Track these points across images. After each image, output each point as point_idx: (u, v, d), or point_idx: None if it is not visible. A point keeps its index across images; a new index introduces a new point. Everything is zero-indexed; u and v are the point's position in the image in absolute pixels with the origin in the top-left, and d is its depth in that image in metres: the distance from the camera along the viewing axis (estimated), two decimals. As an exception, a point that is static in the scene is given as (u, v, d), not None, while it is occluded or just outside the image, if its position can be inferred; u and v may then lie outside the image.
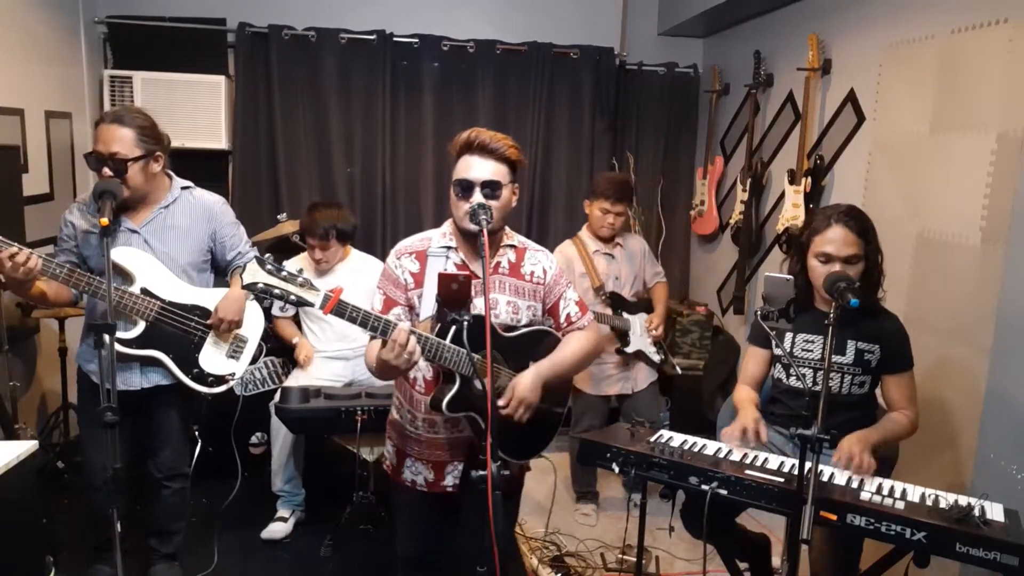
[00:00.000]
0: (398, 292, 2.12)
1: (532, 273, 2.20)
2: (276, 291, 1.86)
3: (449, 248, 2.14)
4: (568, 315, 2.24)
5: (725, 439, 2.34)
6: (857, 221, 2.36)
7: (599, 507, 3.82)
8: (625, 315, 3.65)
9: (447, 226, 2.19)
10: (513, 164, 2.11)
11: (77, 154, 4.19)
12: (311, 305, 1.88)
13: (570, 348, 2.20)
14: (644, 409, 3.59)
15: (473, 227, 2.00)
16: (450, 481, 2.20)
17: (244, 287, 1.87)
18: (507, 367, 2.14)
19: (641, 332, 3.68)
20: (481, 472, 1.84)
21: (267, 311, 2.94)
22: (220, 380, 2.74)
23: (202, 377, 2.70)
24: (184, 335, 2.66)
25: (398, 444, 2.27)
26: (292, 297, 1.87)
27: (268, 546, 3.32)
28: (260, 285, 1.86)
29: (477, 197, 2.03)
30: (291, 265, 3.65)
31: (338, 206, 3.64)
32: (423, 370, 2.16)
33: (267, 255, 1.91)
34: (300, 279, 1.88)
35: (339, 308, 1.89)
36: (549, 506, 3.67)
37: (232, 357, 2.77)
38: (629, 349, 3.64)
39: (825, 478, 2.13)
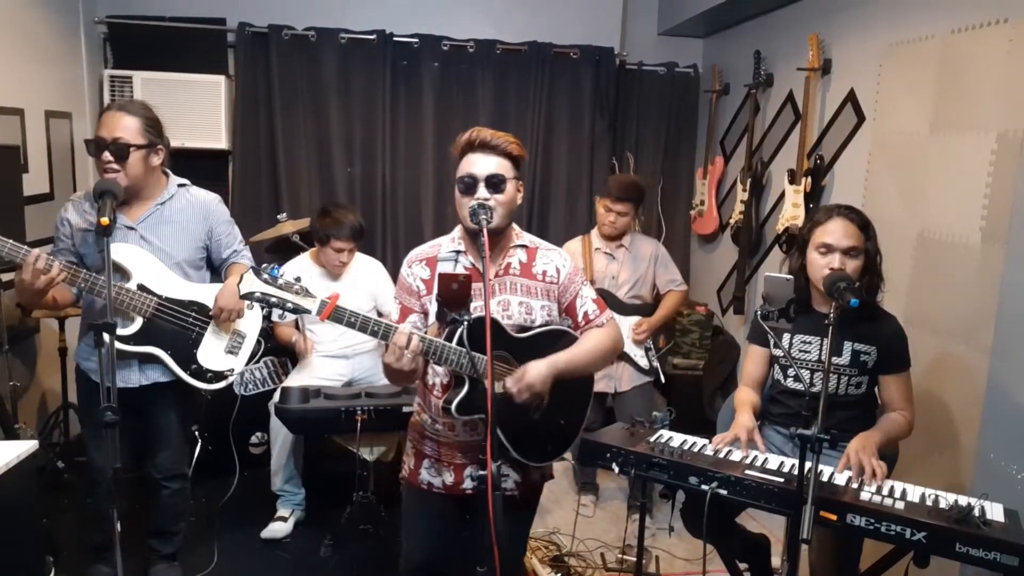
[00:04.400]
0: (412, 300, 2.14)
1: (544, 272, 2.19)
2: (273, 299, 1.87)
3: (458, 252, 2.14)
4: (586, 313, 2.21)
5: (716, 444, 2.33)
6: (858, 216, 2.38)
7: (599, 500, 3.87)
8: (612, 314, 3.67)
9: (457, 231, 2.19)
10: (516, 160, 2.11)
11: (77, 154, 4.19)
12: (308, 312, 1.89)
13: (586, 344, 2.17)
14: (630, 410, 3.59)
15: (474, 225, 1.99)
16: (468, 484, 2.19)
17: (241, 297, 1.87)
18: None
19: (627, 334, 3.67)
20: (481, 472, 1.84)
21: (267, 315, 2.94)
22: (219, 376, 2.74)
23: (201, 373, 2.70)
24: (182, 331, 2.66)
25: (418, 446, 2.26)
26: (289, 305, 1.88)
27: (268, 546, 3.32)
28: (257, 294, 1.87)
29: (482, 192, 2.03)
30: (294, 265, 3.69)
31: (349, 206, 3.68)
32: (440, 375, 2.15)
33: (264, 265, 1.92)
34: (297, 286, 1.89)
35: (336, 314, 1.90)
36: (549, 506, 3.68)
37: (231, 353, 2.77)
38: None
39: (825, 478, 2.13)
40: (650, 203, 4.98)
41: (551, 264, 2.20)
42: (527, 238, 2.23)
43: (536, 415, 2.15)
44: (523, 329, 2.13)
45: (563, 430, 2.25)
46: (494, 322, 2.00)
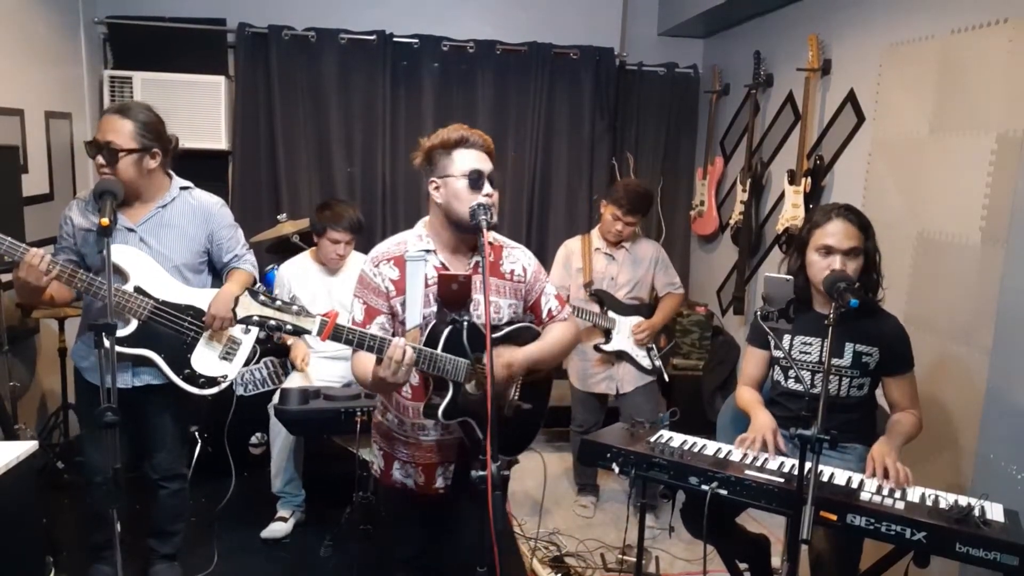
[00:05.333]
0: (379, 301, 2.09)
1: (512, 272, 2.20)
2: (272, 322, 1.84)
3: (427, 251, 2.11)
4: (549, 310, 2.27)
5: (742, 447, 2.32)
6: (857, 216, 2.38)
7: (599, 501, 3.88)
8: (612, 314, 3.66)
9: (421, 228, 2.16)
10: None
11: (77, 154, 4.19)
12: (308, 332, 1.86)
13: (553, 335, 2.23)
14: (635, 412, 3.57)
15: (473, 223, 1.99)
16: (440, 483, 2.20)
17: (239, 321, 1.85)
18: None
19: (628, 334, 3.68)
20: (481, 472, 1.85)
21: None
22: (212, 382, 2.72)
23: (193, 378, 2.68)
24: (176, 335, 2.65)
25: (386, 448, 2.25)
26: (288, 327, 1.85)
27: (268, 546, 3.32)
28: (255, 318, 1.84)
29: (487, 188, 2.04)
30: (293, 263, 3.67)
31: (350, 202, 3.70)
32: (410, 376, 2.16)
33: (258, 285, 1.90)
34: (295, 307, 1.86)
35: (336, 333, 1.89)
36: (549, 506, 3.67)
37: (225, 359, 2.76)
38: (609, 347, 3.66)
39: (825, 478, 2.13)
40: (650, 203, 4.98)
41: (518, 263, 2.22)
42: (491, 235, 2.21)
43: (509, 412, 2.17)
44: (493, 328, 2.12)
45: (530, 422, 2.28)
46: (472, 324, 2.02)
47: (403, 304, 2.07)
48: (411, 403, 2.14)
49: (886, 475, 2.14)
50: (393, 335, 2.07)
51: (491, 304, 2.14)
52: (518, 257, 2.23)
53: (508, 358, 2.08)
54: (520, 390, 2.21)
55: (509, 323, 2.17)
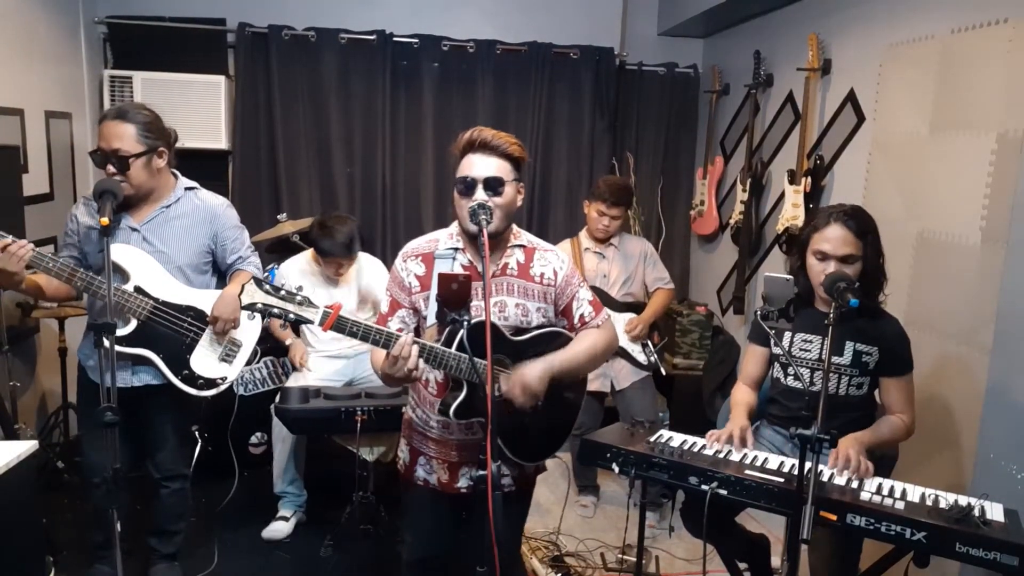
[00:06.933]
0: (402, 295, 2.12)
1: (542, 275, 2.17)
2: (275, 310, 1.88)
3: (456, 249, 2.11)
4: (582, 315, 2.19)
5: (711, 441, 2.35)
6: (858, 222, 2.34)
7: (599, 501, 3.88)
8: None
9: (454, 227, 2.16)
10: (516, 161, 2.09)
11: (77, 154, 4.19)
12: (310, 322, 1.89)
13: (582, 344, 2.16)
14: (633, 407, 3.61)
15: (473, 227, 1.98)
16: (463, 483, 2.18)
17: (243, 308, 1.88)
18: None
19: (623, 330, 3.69)
20: (481, 472, 1.84)
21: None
22: (210, 383, 2.71)
23: (192, 379, 2.68)
24: (176, 335, 2.65)
25: (412, 443, 2.25)
26: (291, 315, 1.88)
27: (268, 546, 3.31)
28: (259, 305, 1.87)
29: (479, 195, 2.01)
30: (293, 264, 3.67)
31: (345, 217, 3.56)
32: (435, 372, 2.14)
33: (265, 274, 1.92)
34: (299, 297, 1.89)
35: (338, 324, 1.90)
36: (549, 506, 3.68)
37: (225, 361, 2.75)
38: None
39: (825, 478, 2.13)
40: (650, 203, 4.99)
41: (548, 266, 2.18)
42: (525, 237, 2.21)
43: (529, 418, 2.14)
44: (519, 331, 2.11)
45: (557, 428, 2.25)
46: (492, 325, 1.99)
47: (426, 300, 2.08)
48: (436, 399, 2.13)
49: (847, 466, 2.15)
50: (417, 330, 2.09)
51: (519, 307, 2.13)
52: (549, 260, 2.19)
53: (527, 380, 2.01)
54: (548, 394, 2.12)
55: (538, 327, 2.14)
